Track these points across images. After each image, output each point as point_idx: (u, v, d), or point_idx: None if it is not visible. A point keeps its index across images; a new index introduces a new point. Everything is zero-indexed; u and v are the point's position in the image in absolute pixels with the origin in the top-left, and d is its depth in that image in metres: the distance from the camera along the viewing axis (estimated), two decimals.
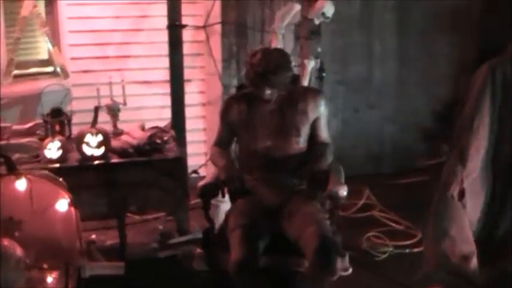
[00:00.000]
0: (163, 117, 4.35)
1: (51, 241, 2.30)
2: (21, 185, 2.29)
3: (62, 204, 2.35)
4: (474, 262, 2.27)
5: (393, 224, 4.39)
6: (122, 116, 4.00)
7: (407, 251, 4.02)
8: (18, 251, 2.13)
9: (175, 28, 4.00)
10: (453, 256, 2.28)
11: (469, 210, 2.37)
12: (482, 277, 2.28)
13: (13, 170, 2.28)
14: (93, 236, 4.04)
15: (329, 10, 4.10)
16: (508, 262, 2.30)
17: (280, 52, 3.15)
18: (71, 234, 2.33)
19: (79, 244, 2.37)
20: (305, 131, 3.14)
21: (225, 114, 3.23)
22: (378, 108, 5.42)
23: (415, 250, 3.98)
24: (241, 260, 2.76)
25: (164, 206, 3.70)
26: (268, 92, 3.01)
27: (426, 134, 5.53)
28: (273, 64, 2.96)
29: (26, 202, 2.26)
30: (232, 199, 3.21)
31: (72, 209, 2.35)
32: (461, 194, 2.36)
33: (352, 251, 3.82)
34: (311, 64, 4.28)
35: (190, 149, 4.30)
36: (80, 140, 3.39)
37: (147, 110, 4.63)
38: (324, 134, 3.21)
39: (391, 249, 4.03)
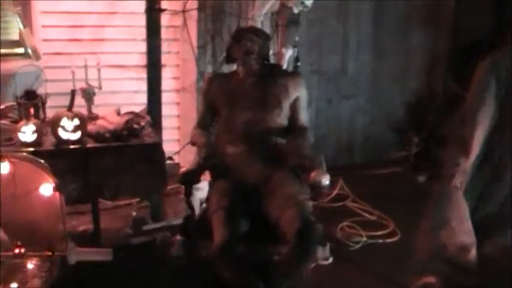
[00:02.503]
0: (136, 102, 4.29)
1: (35, 226, 2.24)
2: (4, 168, 2.22)
3: (46, 188, 2.28)
4: (473, 253, 2.31)
5: (366, 215, 4.44)
6: (96, 100, 3.92)
7: (380, 241, 4.06)
8: None
9: (153, 12, 3.93)
10: (451, 246, 2.31)
11: None
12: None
13: None
14: None
15: None
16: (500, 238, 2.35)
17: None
18: (55, 219, 2.26)
19: (63, 230, 2.30)
20: (286, 106, 3.14)
21: (206, 90, 3.27)
22: (351, 99, 5.44)
23: (388, 240, 4.05)
24: (224, 242, 2.75)
25: (140, 192, 3.64)
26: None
27: (397, 125, 5.58)
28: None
29: (10, 186, 2.18)
30: (214, 177, 3.19)
31: (57, 193, 2.28)
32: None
33: (327, 241, 3.88)
34: (289, 53, 4.26)
35: (164, 135, 4.25)
36: (55, 123, 3.30)
37: (120, 94, 4.54)
38: (303, 117, 3.22)
39: (364, 239, 4.08)
